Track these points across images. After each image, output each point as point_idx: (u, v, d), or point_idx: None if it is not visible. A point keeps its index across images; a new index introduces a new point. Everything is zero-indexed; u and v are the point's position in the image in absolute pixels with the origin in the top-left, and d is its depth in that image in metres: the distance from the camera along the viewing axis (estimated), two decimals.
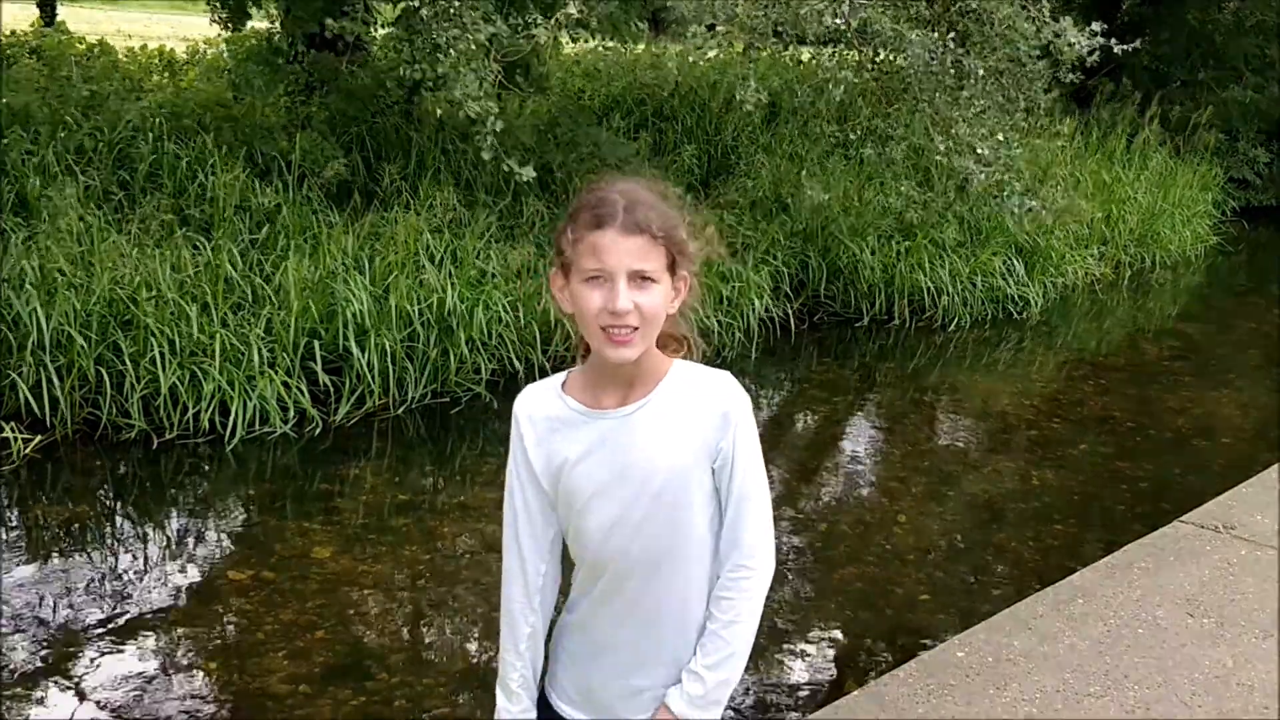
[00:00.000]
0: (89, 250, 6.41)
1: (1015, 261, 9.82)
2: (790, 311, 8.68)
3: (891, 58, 9.00)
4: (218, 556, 5.04)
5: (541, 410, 2.00)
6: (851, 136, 10.87)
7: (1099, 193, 11.71)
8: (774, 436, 7.11)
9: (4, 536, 5.06)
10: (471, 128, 6.99)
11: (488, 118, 6.57)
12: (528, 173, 6.87)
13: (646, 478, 1.92)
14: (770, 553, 1.94)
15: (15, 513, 5.27)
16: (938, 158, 8.48)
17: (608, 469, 1.94)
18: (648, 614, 2.00)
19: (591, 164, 8.53)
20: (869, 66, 9.46)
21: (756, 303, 8.31)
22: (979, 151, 7.96)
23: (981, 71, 8.23)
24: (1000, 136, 8.08)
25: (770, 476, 6.49)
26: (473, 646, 4.34)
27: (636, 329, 1.85)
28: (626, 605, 2.01)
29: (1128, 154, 13.23)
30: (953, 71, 8.19)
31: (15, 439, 5.52)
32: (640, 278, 1.84)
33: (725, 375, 1.96)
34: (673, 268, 1.89)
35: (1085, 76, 9.23)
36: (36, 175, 7.01)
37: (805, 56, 11.47)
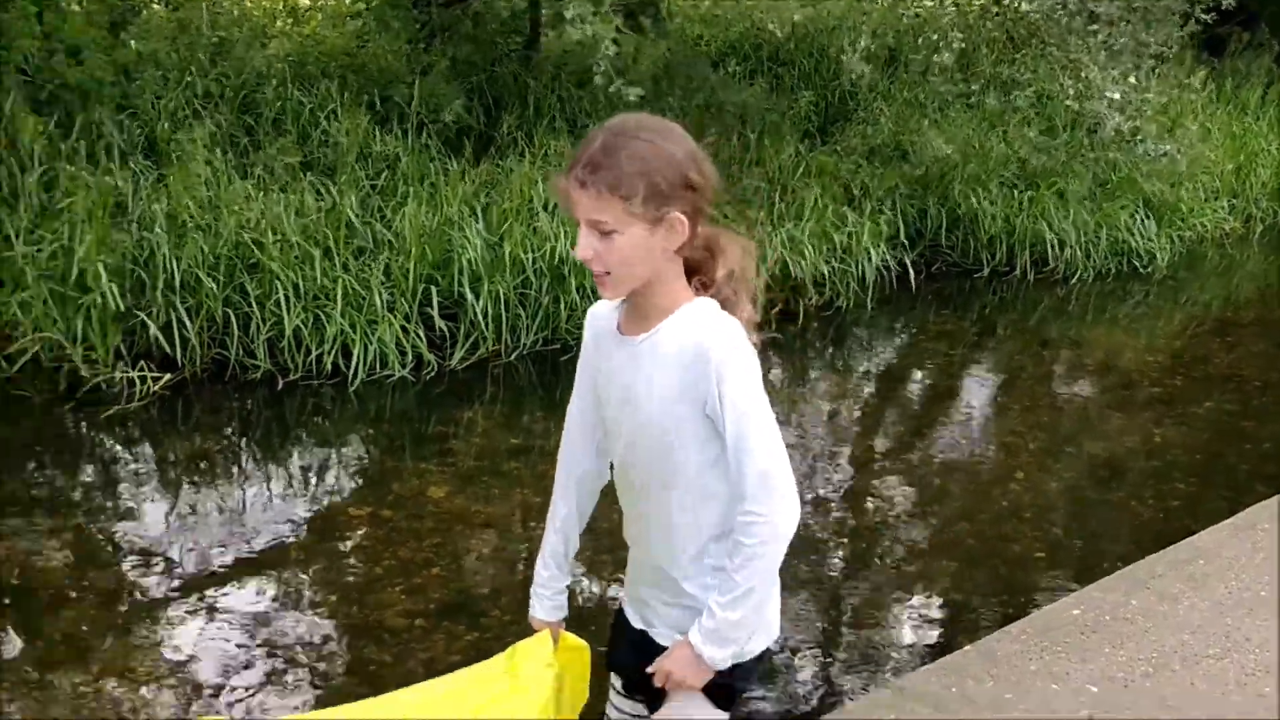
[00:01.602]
0: (216, 194, 6.58)
1: (1143, 214, 9.52)
2: (907, 261, 8.55)
3: (1017, 3, 8.75)
4: (338, 494, 5.18)
5: (599, 320, 2.15)
6: (974, 87, 10.60)
7: (1230, 144, 11.27)
8: (888, 388, 7.04)
9: (136, 471, 5.27)
10: (583, 52, 6.93)
11: (601, 41, 6.54)
12: (635, 92, 6.83)
13: (640, 406, 2.02)
14: (780, 498, 1.93)
15: (147, 447, 5.48)
16: (1067, 103, 8.23)
17: (619, 391, 2.07)
18: (647, 535, 2.14)
19: (709, 109, 8.47)
20: (993, 13, 9.21)
21: (873, 251, 8.20)
22: (1112, 96, 7.70)
23: (1116, 12, 7.95)
24: (1132, 80, 7.81)
25: (883, 429, 6.40)
26: (581, 589, 4.41)
27: (608, 274, 1.95)
28: (635, 521, 2.17)
29: (1262, 105, 12.68)
30: (1080, 15, 7.93)
31: (146, 377, 5.73)
32: (598, 227, 1.91)
33: (724, 322, 1.96)
34: (647, 213, 1.90)
35: (1220, 21, 8.84)
36: (166, 119, 7.22)
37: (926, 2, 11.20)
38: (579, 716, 2.32)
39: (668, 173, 1.91)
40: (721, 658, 1.99)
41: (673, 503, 2.04)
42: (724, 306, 2.00)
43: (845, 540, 4.94)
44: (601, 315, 2.15)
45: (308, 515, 4.92)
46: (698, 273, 2.03)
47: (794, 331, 7.53)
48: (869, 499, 5.36)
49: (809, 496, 5.18)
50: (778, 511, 1.92)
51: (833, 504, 5.26)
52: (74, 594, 4.13)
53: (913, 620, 4.40)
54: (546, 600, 2.31)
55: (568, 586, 2.32)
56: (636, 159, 1.89)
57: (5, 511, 4.66)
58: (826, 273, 7.87)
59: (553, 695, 2.16)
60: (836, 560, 4.79)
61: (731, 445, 1.93)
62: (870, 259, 8.18)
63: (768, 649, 2.13)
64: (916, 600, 4.51)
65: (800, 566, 4.61)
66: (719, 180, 2.01)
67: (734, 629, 1.97)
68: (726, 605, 1.95)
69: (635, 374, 2.02)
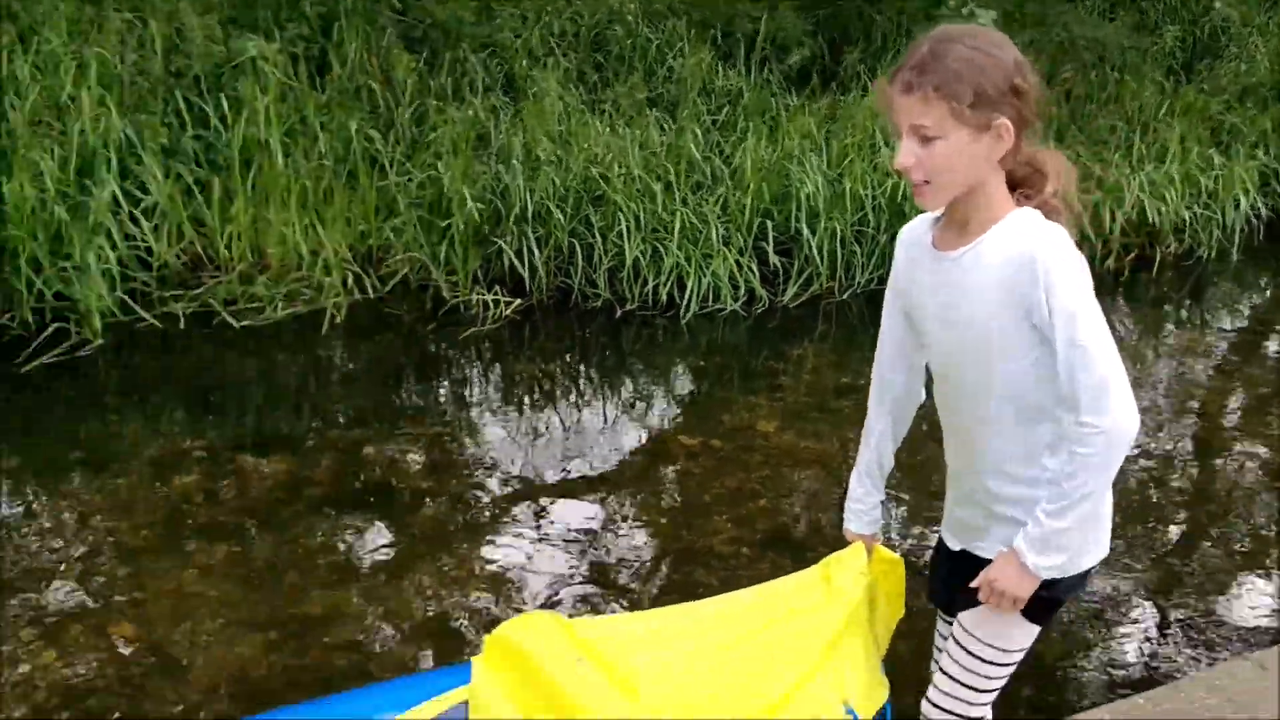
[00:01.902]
0: (567, 129, 6.87)
1: None
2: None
3: None
4: (670, 421, 5.36)
5: (912, 237, 2.15)
6: None
7: None
8: (1249, 346, 6.54)
9: (487, 388, 5.65)
10: None
11: None
12: (988, 14, 6.59)
13: (960, 320, 2.00)
14: (1117, 410, 1.85)
15: (497, 367, 5.86)
16: None
17: (935, 305, 2.06)
18: (969, 450, 2.12)
19: (1063, 44, 8.05)
20: None
21: (1241, 199, 7.60)
22: None
23: None
24: None
25: (1240, 389, 5.93)
26: (907, 530, 4.38)
27: (928, 182, 1.92)
28: (956, 437, 2.16)
29: None
30: None
31: (500, 301, 6.10)
32: (920, 133, 1.89)
33: (1050, 229, 1.90)
34: (974, 117, 1.86)
35: None
36: (524, 57, 7.58)
37: None
38: (894, 631, 2.37)
39: (995, 77, 1.88)
40: (1046, 565, 1.96)
41: (994, 416, 2.02)
42: (1048, 218, 1.95)
43: (1191, 506, 4.66)
44: (915, 231, 2.14)
45: (640, 440, 5.12)
46: (1020, 188, 1.98)
47: (1149, 280, 7.11)
48: (1220, 463, 5.02)
49: (1156, 454, 4.91)
50: (1115, 421, 1.86)
51: (1179, 466, 4.96)
52: (428, 497, 4.49)
53: (1266, 596, 4.11)
54: (861, 514, 2.35)
55: (881, 502, 2.37)
56: (964, 62, 1.87)
57: (374, 418, 5.11)
58: (1188, 219, 7.37)
59: (864, 600, 2.23)
60: (1180, 525, 4.52)
61: (1063, 354, 1.87)
62: (1238, 206, 7.60)
63: (1093, 566, 2.09)
64: (1254, 580, 4.20)
65: (1144, 529, 4.40)
66: (1043, 93, 1.96)
67: (1061, 537, 1.94)
68: (1054, 513, 1.92)
69: (955, 288, 1.99)
